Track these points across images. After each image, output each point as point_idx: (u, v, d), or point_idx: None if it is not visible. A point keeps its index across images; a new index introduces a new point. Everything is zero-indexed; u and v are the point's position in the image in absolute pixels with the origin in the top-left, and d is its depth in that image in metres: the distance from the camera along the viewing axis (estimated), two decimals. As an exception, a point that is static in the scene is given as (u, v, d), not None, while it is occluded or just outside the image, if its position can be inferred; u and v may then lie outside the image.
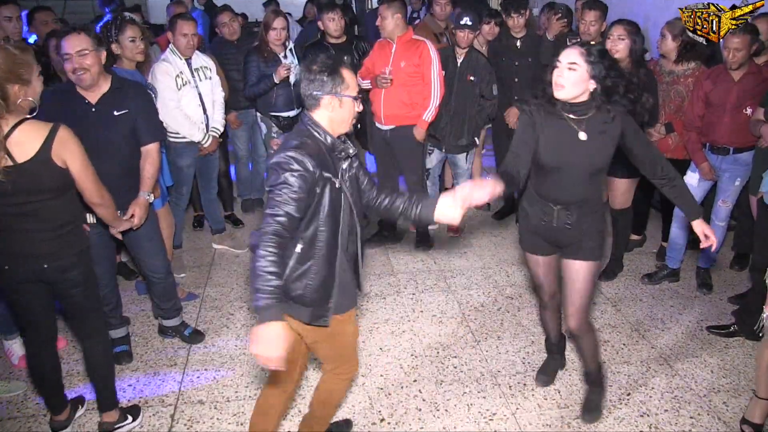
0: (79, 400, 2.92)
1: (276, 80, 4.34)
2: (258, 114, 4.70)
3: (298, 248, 2.09)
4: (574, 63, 2.38)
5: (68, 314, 2.63)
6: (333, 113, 2.11)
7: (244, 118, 5.01)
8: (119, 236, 2.92)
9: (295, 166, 1.99)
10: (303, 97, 2.13)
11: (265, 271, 1.89)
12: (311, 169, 2.00)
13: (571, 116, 2.47)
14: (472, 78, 4.26)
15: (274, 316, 1.86)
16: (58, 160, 2.29)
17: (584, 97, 2.44)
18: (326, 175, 2.06)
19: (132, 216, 2.94)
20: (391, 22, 4.09)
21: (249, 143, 5.22)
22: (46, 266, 2.41)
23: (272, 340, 1.83)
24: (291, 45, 4.62)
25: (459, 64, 4.28)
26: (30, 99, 2.31)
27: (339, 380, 2.45)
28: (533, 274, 2.88)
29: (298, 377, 2.46)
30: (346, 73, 2.11)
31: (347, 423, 2.84)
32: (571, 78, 2.38)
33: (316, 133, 2.11)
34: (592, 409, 2.87)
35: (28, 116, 2.30)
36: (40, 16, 4.39)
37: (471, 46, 4.32)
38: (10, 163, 2.21)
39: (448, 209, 2.20)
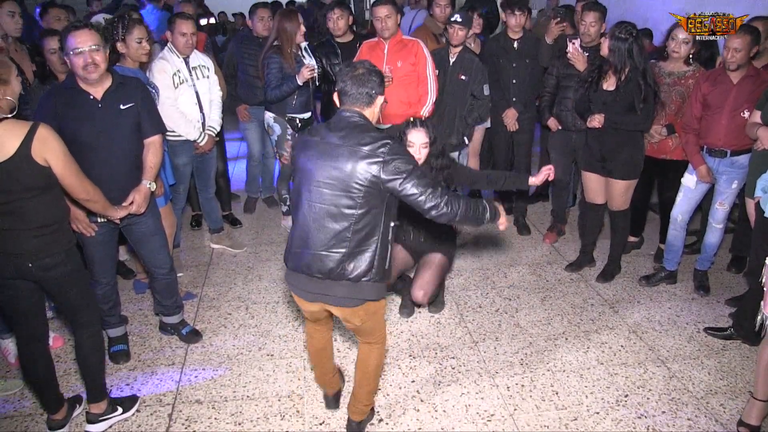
0: (77, 399, 2.91)
1: (300, 82, 4.25)
2: (271, 115, 4.56)
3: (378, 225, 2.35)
4: (426, 143, 3.02)
5: (60, 308, 2.62)
6: (377, 110, 2.39)
7: (256, 115, 4.94)
8: (118, 221, 2.92)
9: (408, 151, 2.35)
10: (354, 94, 2.30)
11: (471, 207, 2.34)
12: None
13: None
14: (463, 77, 4.27)
15: (495, 208, 2.45)
16: (38, 159, 2.29)
17: None
18: None
19: (131, 203, 2.93)
20: (394, 23, 4.11)
21: (261, 141, 5.16)
22: (30, 265, 2.41)
23: (503, 216, 2.53)
24: (306, 44, 4.59)
25: (451, 63, 4.30)
26: (9, 99, 2.31)
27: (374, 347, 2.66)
28: None
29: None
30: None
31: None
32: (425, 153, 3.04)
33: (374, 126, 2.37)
34: None
35: (8, 116, 2.30)
36: (54, 12, 4.44)
37: (465, 46, 4.33)
38: None
39: None
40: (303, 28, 4.35)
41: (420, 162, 2.99)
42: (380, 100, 2.36)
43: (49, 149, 2.31)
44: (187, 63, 3.95)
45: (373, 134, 2.26)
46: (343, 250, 2.28)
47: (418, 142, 3.01)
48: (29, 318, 2.59)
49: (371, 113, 2.36)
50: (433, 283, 3.40)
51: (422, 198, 2.23)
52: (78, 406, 2.89)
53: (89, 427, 2.78)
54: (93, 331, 2.69)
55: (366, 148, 2.21)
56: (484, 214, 2.40)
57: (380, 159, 2.20)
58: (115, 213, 2.82)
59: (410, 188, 2.22)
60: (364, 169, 2.21)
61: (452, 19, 4.21)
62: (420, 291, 3.36)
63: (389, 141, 2.25)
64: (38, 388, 2.73)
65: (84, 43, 2.66)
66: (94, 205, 2.63)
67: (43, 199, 2.37)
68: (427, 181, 2.25)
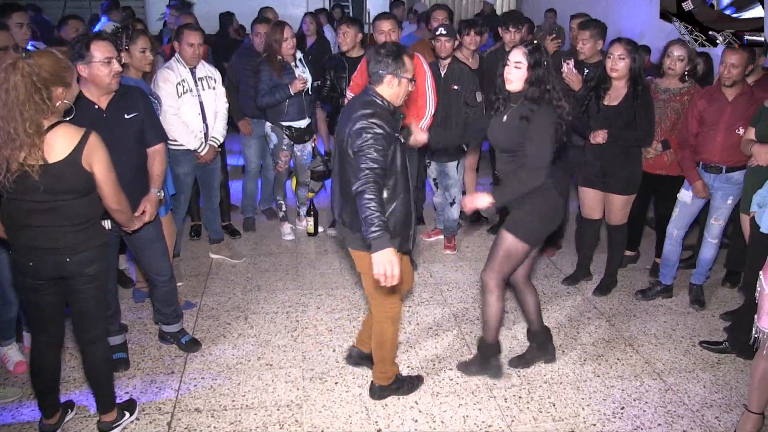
0: (69, 404, 2.92)
1: (292, 92, 4.45)
2: (269, 124, 4.72)
3: (384, 194, 2.60)
4: (519, 62, 2.86)
5: (74, 318, 2.64)
6: (392, 89, 2.63)
7: (257, 129, 5.01)
8: (129, 231, 2.97)
9: (377, 129, 2.48)
10: (372, 73, 2.64)
11: (373, 210, 2.39)
12: (387, 130, 2.51)
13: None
14: (455, 87, 4.34)
15: (386, 243, 2.38)
16: (86, 165, 2.37)
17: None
18: (396, 135, 2.60)
19: (143, 212, 2.99)
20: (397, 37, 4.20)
21: (260, 156, 5.20)
22: (68, 260, 2.46)
23: (390, 261, 2.37)
24: (300, 54, 4.70)
25: (443, 75, 4.36)
26: (67, 102, 2.39)
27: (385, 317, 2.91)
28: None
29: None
30: (407, 59, 2.64)
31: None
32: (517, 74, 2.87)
33: (381, 102, 2.62)
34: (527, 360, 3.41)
35: (63, 119, 2.38)
36: (73, 23, 4.65)
37: (454, 57, 4.40)
38: (41, 162, 2.28)
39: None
40: (291, 41, 4.50)
41: (510, 82, 2.88)
42: (389, 78, 2.61)
43: (97, 157, 2.39)
44: (193, 73, 3.99)
45: (366, 111, 2.52)
46: (348, 204, 2.66)
47: (512, 60, 2.90)
48: (50, 325, 2.62)
49: (384, 91, 2.64)
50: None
51: (358, 173, 2.47)
52: (70, 411, 2.90)
53: None
54: (103, 345, 2.72)
55: (353, 123, 2.51)
56: (370, 227, 2.40)
57: (353, 133, 2.51)
58: (133, 225, 2.87)
59: (356, 164, 2.49)
60: (348, 140, 2.53)
61: (437, 32, 4.29)
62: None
63: (364, 120, 2.50)
64: (41, 392, 2.74)
65: (112, 52, 2.78)
66: (121, 216, 2.68)
67: (82, 200, 2.44)
68: (369, 166, 2.45)
